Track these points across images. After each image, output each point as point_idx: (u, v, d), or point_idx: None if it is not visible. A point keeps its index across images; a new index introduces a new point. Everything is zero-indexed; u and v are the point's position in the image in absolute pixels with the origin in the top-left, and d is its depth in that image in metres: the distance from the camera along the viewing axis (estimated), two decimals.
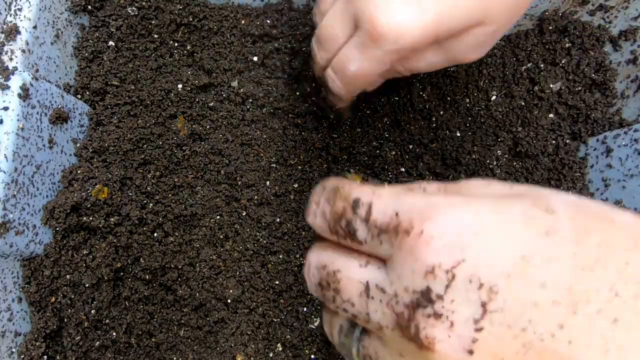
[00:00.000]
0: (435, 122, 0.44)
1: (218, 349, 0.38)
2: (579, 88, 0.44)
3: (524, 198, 0.18)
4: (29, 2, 0.33)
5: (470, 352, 0.17)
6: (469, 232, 0.17)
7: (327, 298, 0.22)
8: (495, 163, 0.43)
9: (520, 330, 0.17)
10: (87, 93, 0.39)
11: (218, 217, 0.40)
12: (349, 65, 0.30)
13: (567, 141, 0.44)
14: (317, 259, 0.23)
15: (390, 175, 0.42)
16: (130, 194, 0.37)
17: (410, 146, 0.43)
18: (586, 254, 0.17)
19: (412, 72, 0.32)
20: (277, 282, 0.40)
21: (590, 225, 0.17)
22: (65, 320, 0.34)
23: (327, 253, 0.23)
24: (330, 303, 0.22)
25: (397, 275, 0.19)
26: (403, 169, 0.43)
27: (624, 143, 0.41)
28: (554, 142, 0.44)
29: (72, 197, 0.34)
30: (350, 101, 0.35)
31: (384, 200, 0.20)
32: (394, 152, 0.43)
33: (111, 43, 0.40)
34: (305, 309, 0.40)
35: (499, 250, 0.17)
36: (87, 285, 0.35)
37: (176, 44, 0.42)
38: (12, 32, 0.32)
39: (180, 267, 0.39)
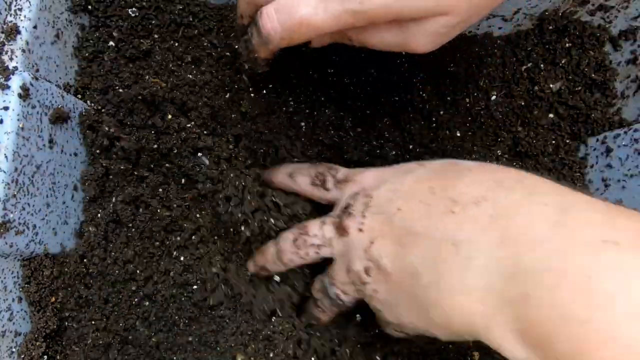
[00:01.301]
0: (435, 122, 0.44)
1: (218, 349, 0.38)
2: (579, 88, 0.44)
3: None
4: (29, 2, 0.33)
5: (361, 230, 0.32)
6: (369, 176, 0.35)
7: (299, 245, 0.35)
8: (495, 163, 0.43)
9: (386, 216, 0.31)
10: (87, 93, 0.39)
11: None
12: (300, 8, 0.27)
13: (567, 141, 0.44)
14: (287, 233, 0.36)
15: None
16: None
17: (410, 146, 0.43)
18: (432, 178, 0.31)
19: (361, 45, 0.31)
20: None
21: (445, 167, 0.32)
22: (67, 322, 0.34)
23: (299, 225, 0.37)
24: (301, 248, 0.35)
25: (337, 204, 0.35)
26: None
27: (624, 143, 0.41)
28: (554, 142, 0.44)
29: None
30: (274, 53, 0.32)
31: (343, 169, 0.38)
32: (394, 152, 0.43)
33: (111, 43, 0.40)
34: None
35: (379, 180, 0.33)
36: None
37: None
38: (12, 32, 0.32)
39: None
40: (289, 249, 0.35)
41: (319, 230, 0.34)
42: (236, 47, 0.37)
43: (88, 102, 0.38)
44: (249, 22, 0.33)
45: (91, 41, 0.39)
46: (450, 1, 0.26)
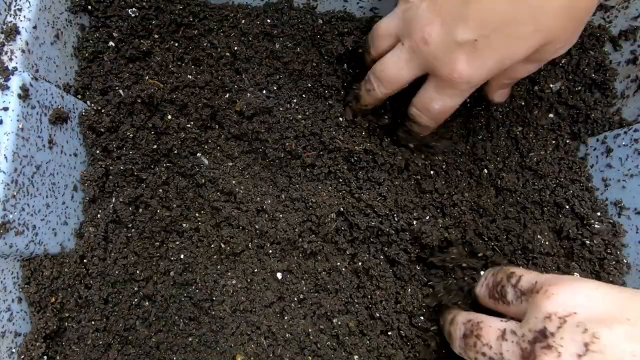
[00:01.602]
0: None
1: (218, 349, 0.38)
2: (579, 88, 0.44)
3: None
4: (29, 2, 0.33)
5: None
6: (582, 295, 0.25)
7: (469, 345, 0.30)
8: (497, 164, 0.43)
9: None
10: (87, 93, 0.39)
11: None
12: (433, 104, 0.36)
13: (567, 141, 0.44)
14: (464, 317, 0.32)
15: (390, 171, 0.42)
16: None
17: (411, 145, 0.43)
18: None
19: (517, 80, 0.38)
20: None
21: None
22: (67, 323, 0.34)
23: (472, 313, 0.32)
24: (471, 349, 0.30)
25: (525, 322, 0.27)
26: (403, 171, 0.43)
27: (624, 143, 0.41)
28: (554, 142, 0.44)
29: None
30: (433, 128, 0.40)
31: (529, 274, 0.29)
32: (400, 152, 0.43)
33: (111, 43, 0.40)
34: None
35: (603, 310, 0.24)
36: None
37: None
38: (12, 32, 0.32)
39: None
40: (459, 342, 0.32)
41: (496, 343, 0.28)
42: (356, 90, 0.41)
43: (88, 102, 0.38)
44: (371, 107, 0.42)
45: (91, 41, 0.39)
46: (548, 34, 0.30)
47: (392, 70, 0.36)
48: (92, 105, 0.38)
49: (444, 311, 0.37)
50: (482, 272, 0.38)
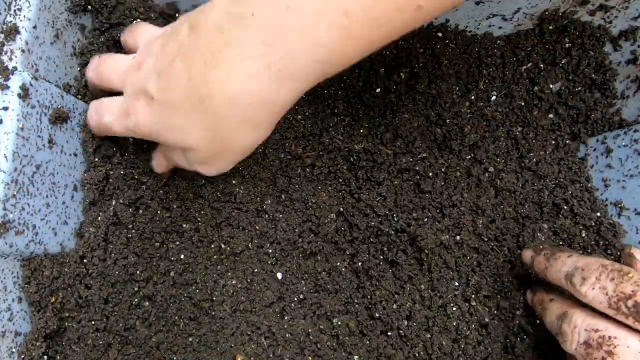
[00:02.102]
0: (435, 124, 0.44)
1: (218, 349, 0.38)
2: (579, 88, 0.44)
3: None
4: (29, 2, 0.33)
5: None
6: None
7: (594, 356, 0.28)
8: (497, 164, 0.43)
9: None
10: (87, 93, 0.39)
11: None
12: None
13: (567, 141, 0.44)
14: (586, 321, 0.30)
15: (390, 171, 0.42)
16: None
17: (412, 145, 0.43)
18: None
19: (174, 166, 0.37)
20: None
21: None
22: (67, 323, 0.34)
23: (596, 320, 0.29)
24: None
25: None
26: (404, 172, 0.43)
27: (623, 143, 0.41)
28: (554, 142, 0.44)
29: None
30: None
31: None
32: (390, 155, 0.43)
33: (112, 44, 0.39)
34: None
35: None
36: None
37: None
38: (12, 32, 0.32)
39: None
40: (576, 346, 0.30)
41: None
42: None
43: (88, 102, 0.38)
44: None
45: (96, 45, 0.39)
46: (190, 141, 0.31)
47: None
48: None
49: (538, 292, 0.37)
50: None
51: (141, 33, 0.36)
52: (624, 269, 0.29)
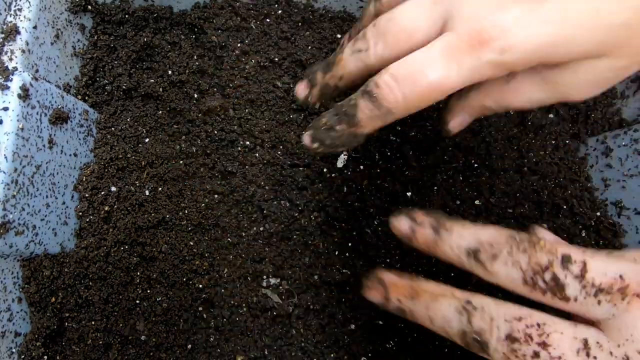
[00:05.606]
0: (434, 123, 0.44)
1: (218, 350, 0.38)
2: None
3: None
4: (29, 2, 0.33)
5: None
6: None
7: (522, 352, 0.21)
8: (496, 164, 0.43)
9: None
10: (87, 93, 0.39)
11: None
12: (429, 72, 0.23)
13: (567, 141, 0.44)
14: (503, 310, 0.23)
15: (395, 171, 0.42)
16: None
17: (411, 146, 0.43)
18: None
19: (504, 109, 0.27)
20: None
21: None
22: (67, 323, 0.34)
23: (512, 305, 0.23)
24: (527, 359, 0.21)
25: (624, 337, 0.20)
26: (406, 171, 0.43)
27: (623, 143, 0.41)
28: (554, 142, 0.44)
29: None
30: (381, 124, 0.26)
31: (601, 261, 0.21)
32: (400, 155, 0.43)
33: (112, 44, 0.40)
34: None
35: None
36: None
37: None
38: (12, 32, 0.32)
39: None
40: (496, 344, 0.22)
41: (575, 358, 0.21)
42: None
43: (88, 102, 0.38)
44: (344, 88, 0.29)
45: (98, 46, 0.39)
46: (618, 39, 0.22)
47: (406, 19, 0.25)
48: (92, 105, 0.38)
49: (386, 278, 0.28)
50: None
51: None
52: (533, 238, 0.23)
